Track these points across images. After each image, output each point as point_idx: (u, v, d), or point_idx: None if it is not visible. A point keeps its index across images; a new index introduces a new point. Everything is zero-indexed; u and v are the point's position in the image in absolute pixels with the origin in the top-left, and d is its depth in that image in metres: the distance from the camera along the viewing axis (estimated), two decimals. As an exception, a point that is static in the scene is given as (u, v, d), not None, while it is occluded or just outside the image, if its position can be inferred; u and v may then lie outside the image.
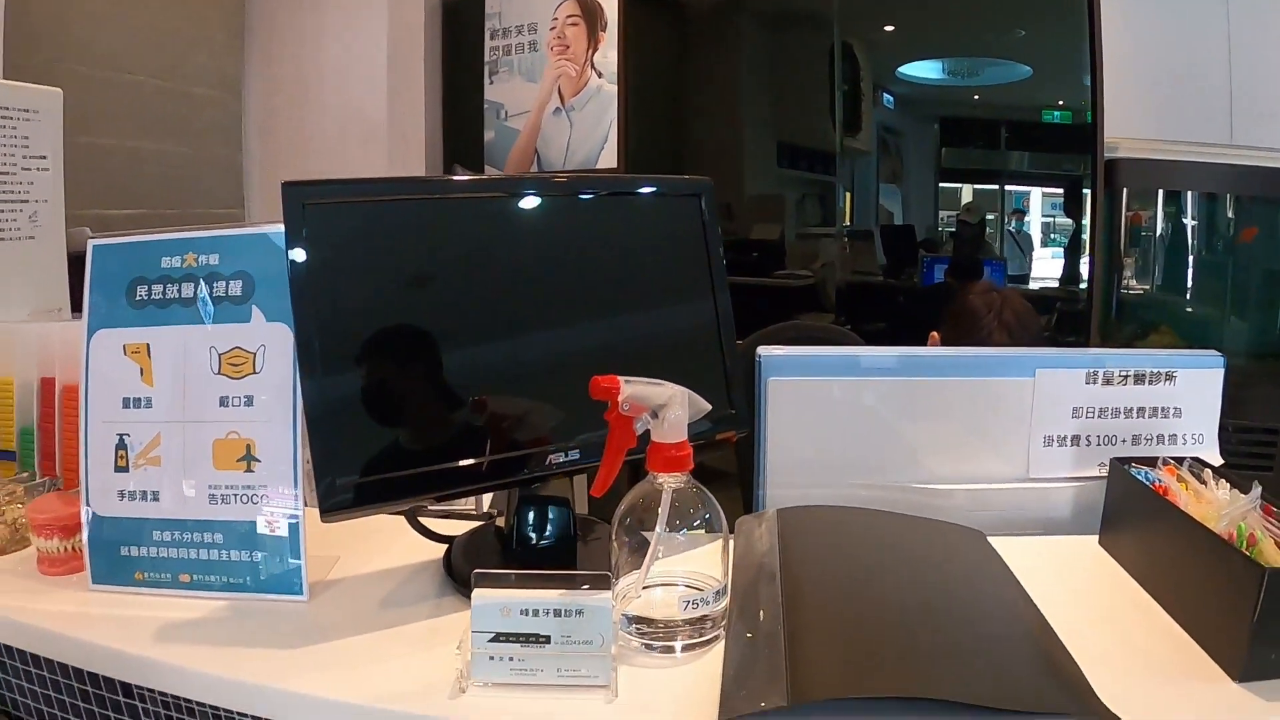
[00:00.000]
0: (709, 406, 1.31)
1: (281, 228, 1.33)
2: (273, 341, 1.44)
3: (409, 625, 1.33)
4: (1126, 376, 1.68)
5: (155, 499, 1.46)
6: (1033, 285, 3.37)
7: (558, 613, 1.11)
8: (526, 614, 1.11)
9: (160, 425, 1.46)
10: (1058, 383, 1.68)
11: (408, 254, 1.46)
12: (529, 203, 1.56)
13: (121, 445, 1.48)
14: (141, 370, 1.46)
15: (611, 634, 1.11)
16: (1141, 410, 1.67)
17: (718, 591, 1.21)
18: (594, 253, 1.63)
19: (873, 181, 3.35)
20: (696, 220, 1.70)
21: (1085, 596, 1.41)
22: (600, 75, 3.15)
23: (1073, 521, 1.67)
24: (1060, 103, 3.04)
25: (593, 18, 3.16)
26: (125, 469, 1.47)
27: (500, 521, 1.58)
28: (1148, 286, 3.07)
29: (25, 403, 1.81)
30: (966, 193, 3.41)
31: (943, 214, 3.37)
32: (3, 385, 1.82)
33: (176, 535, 1.46)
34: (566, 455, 1.49)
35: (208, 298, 1.46)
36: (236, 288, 1.46)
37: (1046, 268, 3.46)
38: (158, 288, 1.46)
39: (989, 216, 3.41)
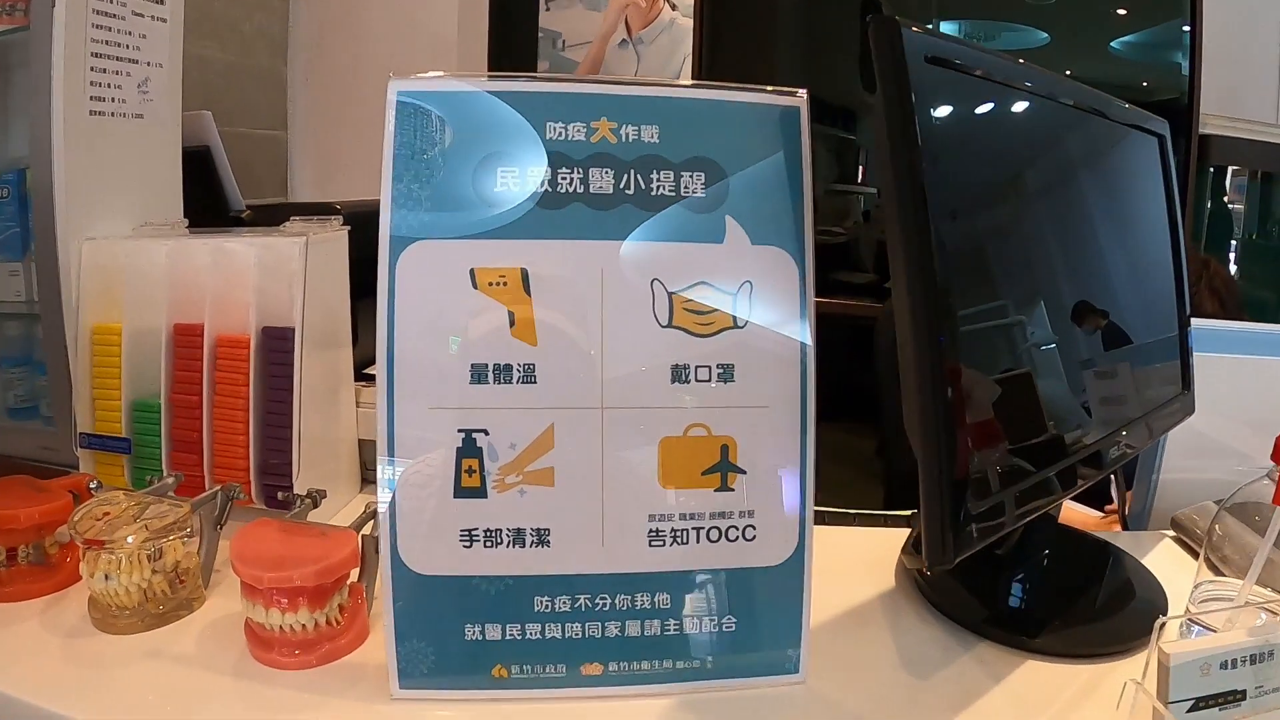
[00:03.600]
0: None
1: (762, 96, 0.80)
2: (765, 277, 0.77)
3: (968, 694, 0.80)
4: None
5: (542, 542, 0.77)
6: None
7: (1253, 658, 0.70)
8: (1226, 667, 0.69)
9: (552, 413, 0.77)
10: None
11: (1024, 168, 0.80)
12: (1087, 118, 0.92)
13: (471, 450, 0.74)
14: (512, 317, 0.71)
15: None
16: None
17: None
18: (1101, 180, 1.00)
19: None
20: (1156, 164, 1.09)
21: None
22: (674, 7, 2.45)
23: None
24: (1069, 72, 2.59)
25: None
26: (478, 491, 0.78)
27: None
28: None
29: (144, 362, 1.04)
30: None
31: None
32: (106, 335, 0.99)
33: (585, 602, 0.78)
34: (1121, 447, 0.99)
35: (641, 195, 0.73)
36: (696, 184, 0.76)
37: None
38: (539, 173, 0.71)
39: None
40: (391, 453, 0.76)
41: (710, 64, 2.35)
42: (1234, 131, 2.41)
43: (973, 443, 0.78)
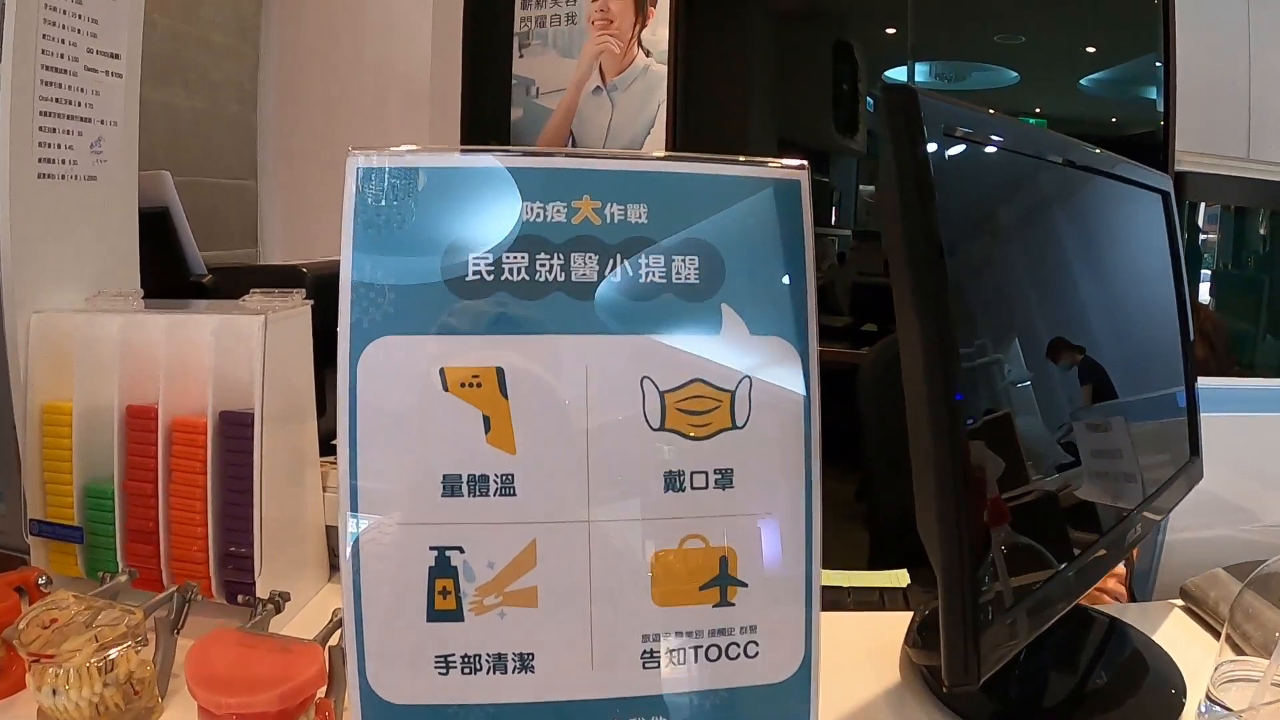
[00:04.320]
0: None
1: (759, 170, 0.71)
2: (765, 371, 0.70)
3: None
4: None
5: (526, 668, 0.68)
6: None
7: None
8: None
9: (534, 528, 0.68)
10: None
11: (1041, 238, 0.71)
12: (1093, 179, 0.83)
13: (445, 569, 0.63)
14: (488, 422, 0.61)
15: None
16: None
17: None
18: (1111, 244, 0.91)
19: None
20: (1160, 221, 1.00)
21: None
22: (648, 54, 2.33)
23: None
24: (1038, 110, 2.51)
25: None
26: (454, 614, 0.68)
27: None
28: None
29: (97, 445, 0.93)
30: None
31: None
32: (56, 415, 0.88)
33: (571, 735, 0.63)
34: (1138, 529, 0.91)
35: (629, 282, 0.63)
36: (689, 269, 0.66)
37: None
38: (516, 260, 0.61)
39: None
40: (356, 571, 0.65)
41: (685, 110, 2.25)
42: (1209, 168, 2.34)
43: (1000, 551, 0.68)
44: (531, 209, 0.68)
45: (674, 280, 0.69)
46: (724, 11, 2.41)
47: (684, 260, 0.69)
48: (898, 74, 2.49)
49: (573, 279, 0.68)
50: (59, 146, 0.97)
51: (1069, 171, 0.88)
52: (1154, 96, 2.32)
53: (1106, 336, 0.91)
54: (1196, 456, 1.06)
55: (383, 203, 0.67)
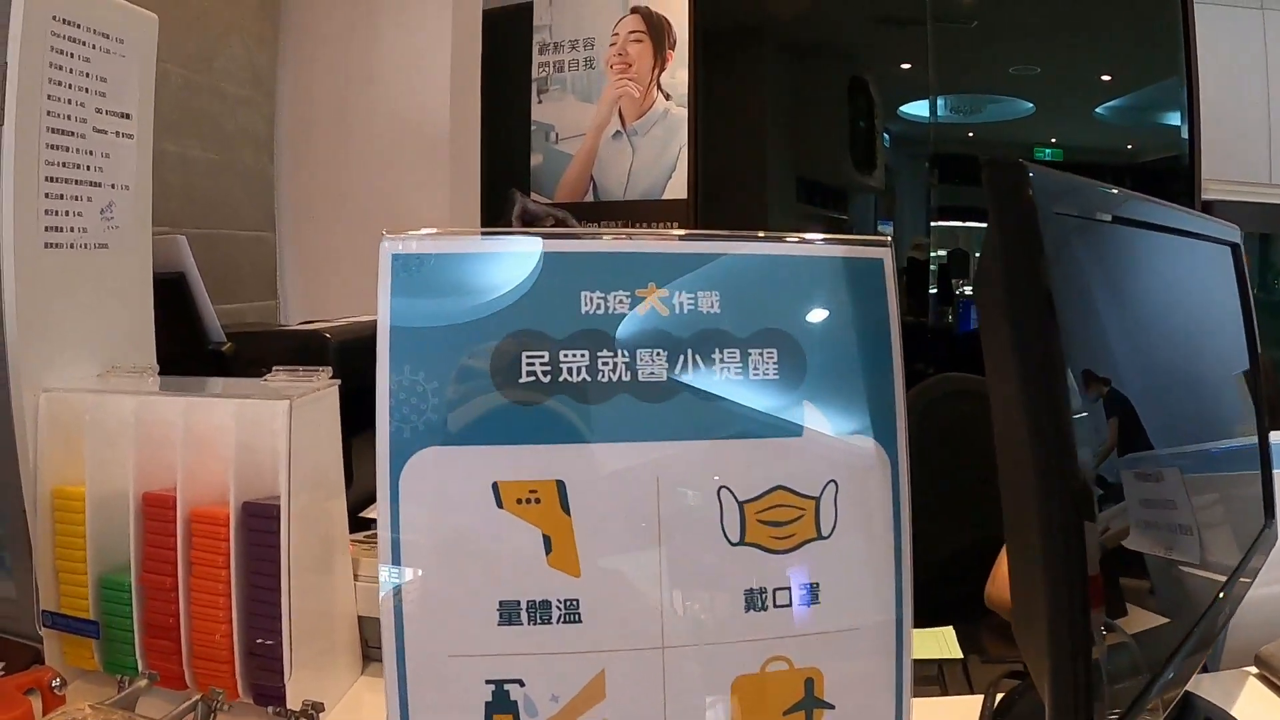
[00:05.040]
0: None
1: (838, 249, 0.62)
2: (851, 474, 0.58)
3: None
4: None
5: None
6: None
7: None
8: None
9: (602, 657, 0.58)
10: None
11: (1143, 308, 0.61)
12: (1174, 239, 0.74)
13: (503, 704, 0.53)
14: (548, 542, 0.50)
15: None
16: None
17: None
18: (1193, 307, 0.81)
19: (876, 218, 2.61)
20: (1229, 272, 0.89)
21: None
22: (668, 97, 2.23)
23: None
24: (1053, 140, 2.41)
25: (659, 34, 2.25)
26: None
27: None
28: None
29: (112, 533, 0.83)
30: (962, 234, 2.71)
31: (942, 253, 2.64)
32: (68, 500, 0.78)
33: None
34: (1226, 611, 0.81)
35: (702, 381, 0.53)
36: (768, 364, 0.55)
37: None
38: (575, 358, 0.51)
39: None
40: (404, 707, 0.55)
41: (705, 152, 2.15)
42: (1235, 195, 2.24)
43: (1109, 658, 0.58)
44: (590, 299, 0.58)
45: (751, 377, 0.59)
46: (740, 53, 2.31)
47: (761, 354, 0.60)
48: (914, 109, 2.40)
49: (639, 378, 0.58)
50: (67, 214, 0.87)
51: (1156, 235, 0.78)
52: (1176, 122, 2.22)
53: (1198, 408, 0.81)
54: (1272, 519, 0.96)
55: (421, 294, 0.57)
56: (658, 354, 0.58)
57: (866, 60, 2.36)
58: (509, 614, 0.56)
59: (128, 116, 0.92)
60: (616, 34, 2.28)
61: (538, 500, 0.56)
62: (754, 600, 0.59)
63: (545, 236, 0.58)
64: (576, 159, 2.29)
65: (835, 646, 0.61)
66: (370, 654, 0.87)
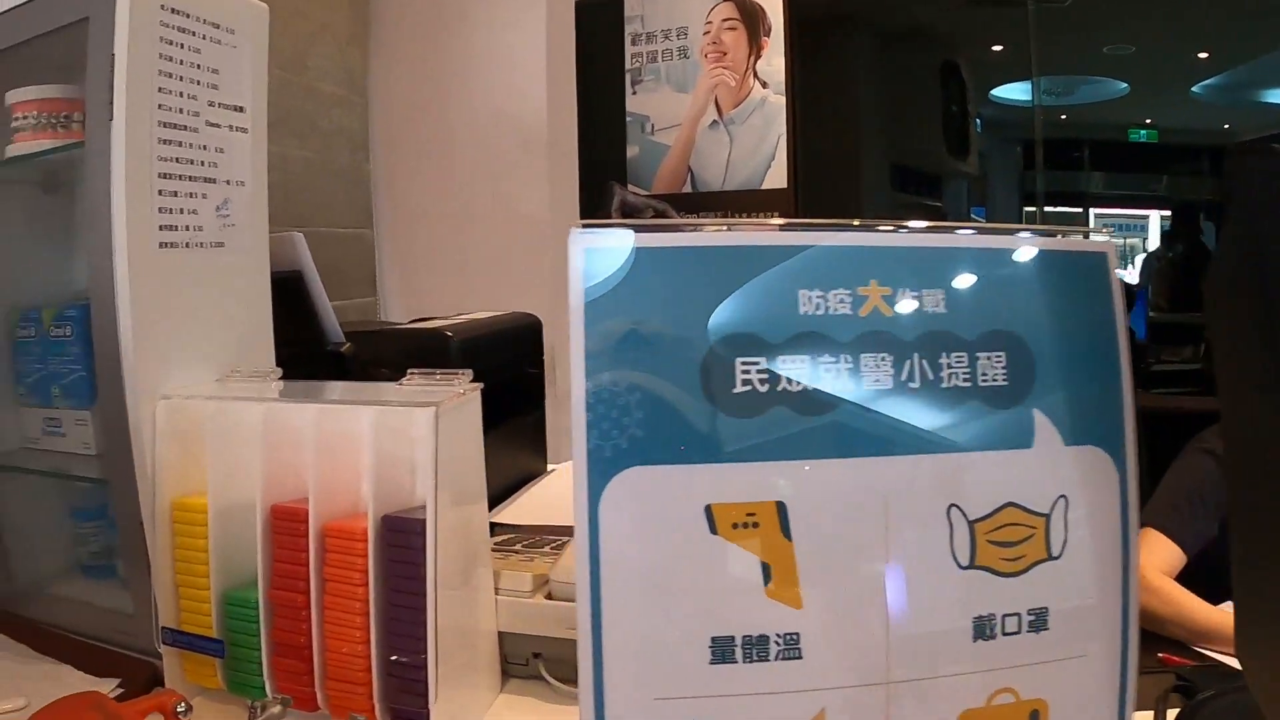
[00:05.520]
0: None
1: (1057, 242, 0.54)
2: (1081, 488, 0.54)
3: None
4: None
5: None
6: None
7: None
8: None
9: (823, 696, 0.51)
10: None
11: None
12: None
13: None
14: (767, 570, 0.42)
15: None
16: None
17: None
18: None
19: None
20: None
21: None
22: (765, 85, 2.13)
23: None
24: (1148, 121, 2.30)
25: (754, 22, 2.15)
26: None
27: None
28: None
29: (236, 547, 0.77)
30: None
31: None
32: (188, 513, 0.71)
33: None
34: None
35: (930, 388, 0.44)
36: (996, 369, 0.46)
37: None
38: (794, 364, 0.43)
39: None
40: (609, 760, 0.48)
41: (805, 142, 2.06)
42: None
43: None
44: (810, 299, 0.50)
45: (980, 383, 0.52)
46: (834, 38, 2.20)
47: (989, 358, 0.52)
48: (1006, 92, 2.29)
49: (864, 386, 0.50)
50: (181, 212, 0.80)
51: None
52: (1277, 100, 2.10)
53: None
54: None
55: (620, 293, 0.49)
56: (883, 359, 0.51)
57: (960, 43, 2.25)
58: (722, 651, 0.49)
59: (241, 110, 0.85)
60: (710, 22, 2.18)
61: (756, 524, 0.49)
62: (983, 628, 0.52)
63: (763, 228, 0.50)
64: (673, 150, 2.20)
65: (1062, 675, 0.53)
66: (509, 670, 0.80)
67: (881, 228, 0.52)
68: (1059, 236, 0.56)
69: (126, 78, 0.77)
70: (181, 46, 0.81)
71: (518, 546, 0.86)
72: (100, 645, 0.86)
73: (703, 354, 0.49)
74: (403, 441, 0.72)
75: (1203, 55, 2.17)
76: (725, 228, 0.51)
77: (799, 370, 0.50)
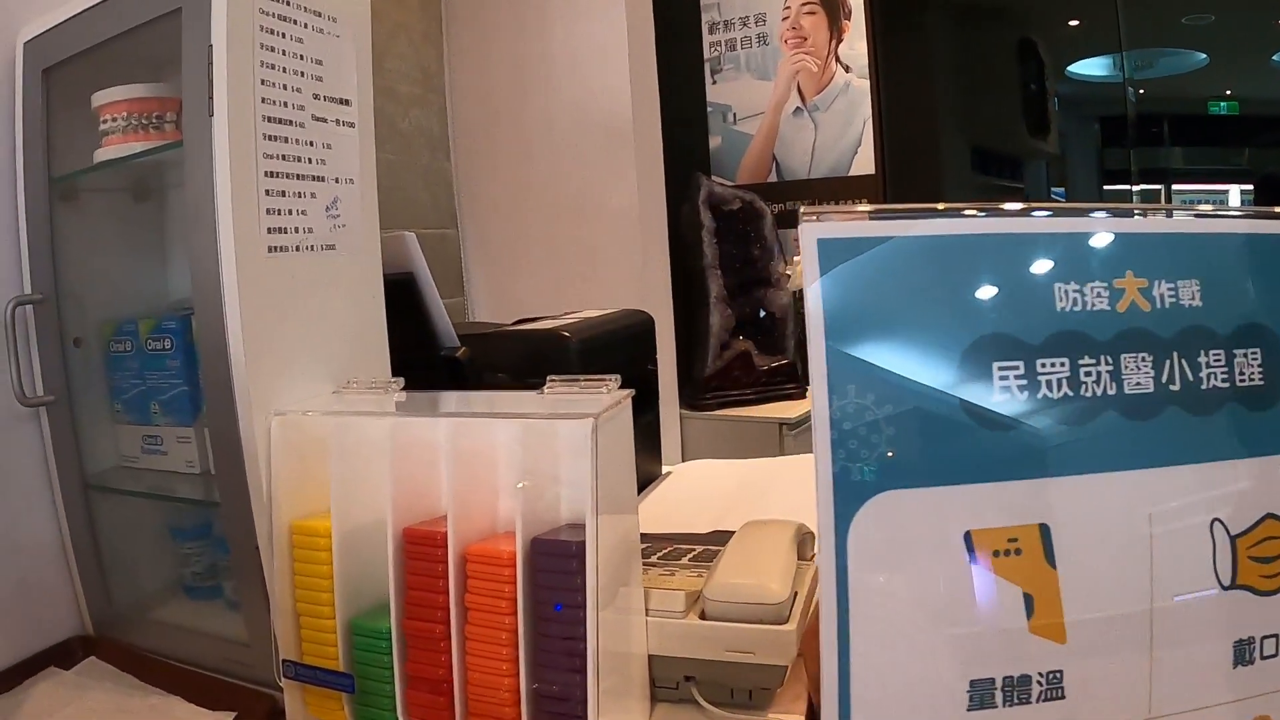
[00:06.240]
0: None
1: None
2: None
3: None
4: None
5: None
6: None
7: None
8: None
9: None
10: None
11: None
12: None
13: None
14: (1029, 600, 0.37)
15: None
16: None
17: None
18: None
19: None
20: None
21: None
22: (848, 70, 2.06)
23: None
24: (1228, 92, 2.21)
25: (833, 5, 2.08)
26: None
27: None
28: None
29: (363, 573, 0.72)
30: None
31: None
32: (309, 538, 0.65)
33: None
34: None
35: (1190, 390, 0.38)
36: (1252, 367, 0.40)
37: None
38: (1054, 367, 0.37)
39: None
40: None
41: (890, 127, 1.99)
42: None
43: None
44: (1066, 294, 0.45)
45: (1237, 383, 0.46)
46: (915, 19, 2.13)
47: (1245, 355, 0.47)
48: (1083, 68, 2.22)
49: (1125, 390, 0.44)
50: (290, 213, 0.75)
51: None
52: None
53: None
54: None
55: (862, 292, 0.44)
56: (1143, 359, 0.45)
57: (1036, 19, 2.18)
58: (981, 696, 0.44)
59: (347, 103, 0.79)
60: (788, 7, 2.12)
61: (1018, 551, 0.44)
62: (1242, 654, 0.47)
63: (1009, 216, 0.45)
64: (757, 139, 2.14)
65: (1325, 704, 0.48)
66: (657, 695, 0.75)
67: (1136, 213, 0.47)
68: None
69: (227, 70, 0.71)
70: (283, 36, 0.75)
71: (654, 559, 0.81)
72: (212, 676, 0.81)
73: (956, 359, 0.44)
74: (546, 456, 0.67)
75: (1282, 22, 2.09)
76: (978, 213, 0.45)
77: (1059, 374, 0.44)
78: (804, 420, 1.93)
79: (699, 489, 1.05)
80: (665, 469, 1.09)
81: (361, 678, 0.72)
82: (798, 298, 1.99)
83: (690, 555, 0.81)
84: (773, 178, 2.12)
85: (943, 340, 0.44)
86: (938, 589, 0.44)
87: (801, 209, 0.45)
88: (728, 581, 0.71)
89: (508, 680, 0.67)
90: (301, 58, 0.77)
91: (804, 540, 0.81)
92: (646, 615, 0.73)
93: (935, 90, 2.15)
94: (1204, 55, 2.22)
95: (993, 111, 2.22)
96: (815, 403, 0.43)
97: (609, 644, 0.67)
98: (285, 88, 0.75)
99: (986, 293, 0.44)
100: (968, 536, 0.43)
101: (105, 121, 0.80)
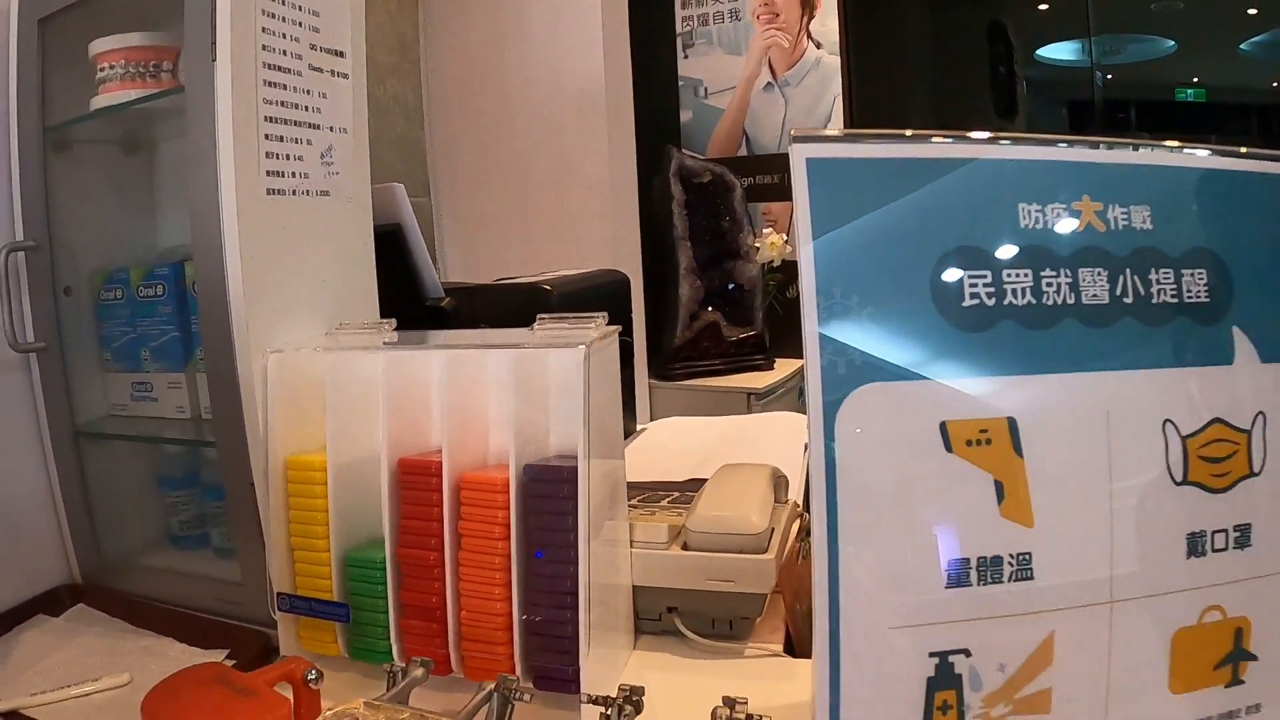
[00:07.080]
0: None
1: (1261, 164, 0.53)
2: (1277, 404, 0.53)
3: None
4: None
5: None
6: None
7: None
8: None
9: (1053, 617, 0.51)
10: None
11: None
12: None
13: (947, 679, 0.46)
14: (1000, 488, 0.41)
15: None
16: None
17: None
18: None
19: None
20: None
21: None
22: (819, 46, 2.10)
23: None
24: (1195, 80, 2.27)
25: None
26: None
27: None
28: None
29: (358, 505, 0.74)
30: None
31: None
32: (305, 472, 0.68)
33: None
34: None
35: (1141, 304, 0.44)
36: (1198, 286, 0.47)
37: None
38: (1019, 278, 0.42)
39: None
40: (835, 697, 0.47)
41: (860, 103, 2.03)
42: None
43: None
44: (1029, 213, 0.49)
45: (1185, 300, 0.51)
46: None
47: (1193, 275, 0.52)
48: (1052, 52, 2.27)
49: (1083, 301, 0.49)
50: (288, 158, 0.77)
51: None
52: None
53: None
54: None
55: (847, 206, 0.48)
56: (1099, 274, 0.50)
57: (1006, 2, 2.23)
58: (957, 575, 0.48)
59: (342, 55, 0.82)
60: None
61: (989, 441, 0.48)
62: (1195, 545, 0.51)
63: (976, 143, 0.49)
64: (727, 113, 2.16)
65: (1265, 592, 0.53)
66: (641, 626, 0.78)
67: (1101, 145, 0.52)
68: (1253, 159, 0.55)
69: (230, 15, 0.73)
70: (279, -12, 0.77)
71: (634, 501, 0.84)
72: (204, 616, 0.82)
73: (931, 267, 0.48)
74: (537, 388, 0.70)
75: (1252, 11, 2.16)
76: (949, 139, 0.49)
77: (1023, 283, 0.49)
78: (771, 390, 1.97)
79: (673, 443, 1.09)
80: (640, 425, 1.12)
81: (356, 609, 0.75)
82: (766, 270, 2.04)
83: (669, 499, 0.85)
84: (743, 151, 2.16)
85: (918, 250, 0.48)
86: (918, 475, 0.48)
87: (793, 130, 0.49)
88: (709, 514, 0.75)
89: (500, 605, 0.70)
90: (300, 8, 0.79)
91: (778, 483, 0.85)
92: (631, 547, 0.77)
93: (905, 69, 2.20)
94: (1172, 42, 2.28)
95: (961, 92, 2.27)
96: (804, 301, 0.47)
97: (598, 573, 0.71)
98: (285, 36, 0.78)
99: (957, 209, 0.49)
100: (943, 426, 0.48)
101: (102, 69, 0.82)
